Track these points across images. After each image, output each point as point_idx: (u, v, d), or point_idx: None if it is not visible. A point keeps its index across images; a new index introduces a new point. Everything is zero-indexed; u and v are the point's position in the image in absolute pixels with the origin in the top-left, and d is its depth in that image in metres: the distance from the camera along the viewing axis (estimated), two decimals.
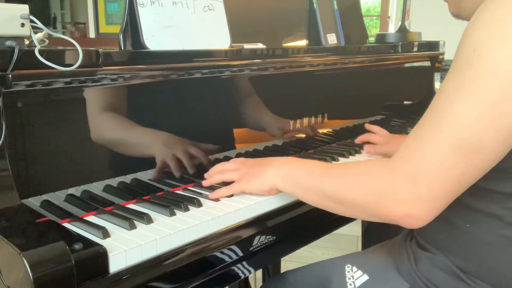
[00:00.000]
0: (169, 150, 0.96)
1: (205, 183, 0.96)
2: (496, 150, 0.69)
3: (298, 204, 0.96)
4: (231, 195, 0.93)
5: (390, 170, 0.72)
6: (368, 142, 1.28)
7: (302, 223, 0.99)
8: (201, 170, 1.01)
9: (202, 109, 1.04)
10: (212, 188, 0.95)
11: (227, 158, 1.08)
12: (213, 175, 0.96)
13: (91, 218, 0.82)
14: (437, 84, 1.75)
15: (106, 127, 0.89)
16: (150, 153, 0.95)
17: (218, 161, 1.06)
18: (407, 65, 1.68)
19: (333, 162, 1.18)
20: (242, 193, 0.93)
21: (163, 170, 0.96)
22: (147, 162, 0.95)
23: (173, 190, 0.97)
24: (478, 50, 0.67)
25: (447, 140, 0.68)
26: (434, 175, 0.69)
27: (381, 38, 1.70)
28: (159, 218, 0.82)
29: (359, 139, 1.30)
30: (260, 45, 1.18)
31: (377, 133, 1.30)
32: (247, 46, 1.11)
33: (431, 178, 0.69)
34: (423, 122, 0.73)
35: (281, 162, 0.92)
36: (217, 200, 0.91)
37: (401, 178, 0.71)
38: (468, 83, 0.68)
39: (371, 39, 1.72)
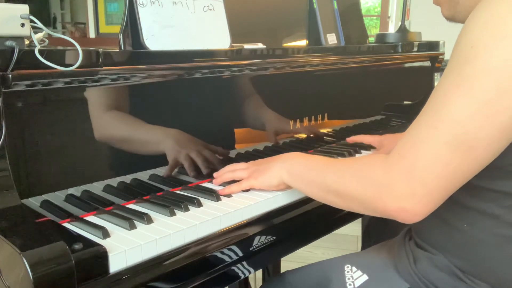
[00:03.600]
0: (177, 149, 0.99)
1: (215, 181, 1.00)
2: (491, 147, 0.69)
3: (298, 204, 0.96)
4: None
5: (387, 165, 0.74)
6: (361, 143, 1.30)
7: (302, 223, 0.99)
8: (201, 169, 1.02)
9: (202, 109, 1.04)
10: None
11: (227, 158, 1.09)
12: (223, 174, 1.00)
13: (91, 218, 0.82)
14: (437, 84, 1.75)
15: (107, 126, 0.88)
16: (153, 152, 0.95)
17: (219, 160, 1.06)
18: (407, 65, 1.68)
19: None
20: (251, 189, 0.96)
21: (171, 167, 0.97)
22: (148, 162, 0.95)
23: (173, 190, 0.97)
24: (475, 47, 0.68)
25: (442, 136, 0.69)
26: (429, 171, 0.70)
27: (381, 38, 1.70)
28: (159, 218, 0.82)
29: (351, 139, 1.31)
30: (260, 45, 1.18)
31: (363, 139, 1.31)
32: (247, 46, 1.11)
33: (425, 174, 0.70)
34: (420, 118, 0.73)
35: (286, 157, 0.95)
36: (229, 196, 0.93)
37: (397, 173, 0.72)
38: (464, 80, 0.68)
39: (371, 39, 1.72)
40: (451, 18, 0.87)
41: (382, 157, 0.76)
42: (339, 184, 0.81)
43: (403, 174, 0.71)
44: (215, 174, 1.01)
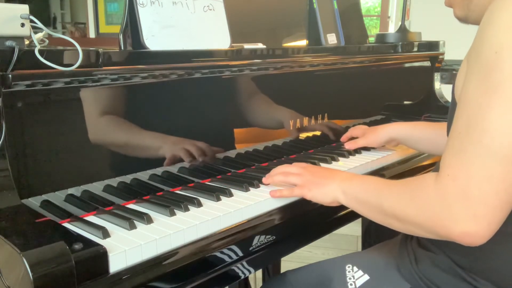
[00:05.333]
0: (171, 148, 0.98)
1: (265, 180, 0.99)
2: None
3: (298, 204, 0.96)
4: None
5: (441, 189, 0.70)
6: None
7: (302, 223, 0.99)
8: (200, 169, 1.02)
9: (202, 109, 1.04)
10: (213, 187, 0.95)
11: (227, 158, 1.09)
12: (275, 175, 0.98)
13: (91, 218, 0.82)
14: (437, 84, 1.75)
15: (107, 126, 0.89)
16: (153, 149, 0.95)
17: (219, 160, 1.06)
18: (407, 65, 1.68)
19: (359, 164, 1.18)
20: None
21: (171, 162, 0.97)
22: (148, 162, 0.95)
23: (173, 190, 0.97)
24: (500, 52, 0.65)
25: (490, 150, 0.65)
26: (486, 189, 0.66)
27: (381, 38, 1.70)
28: (159, 218, 0.82)
29: (344, 137, 1.31)
30: (260, 45, 1.18)
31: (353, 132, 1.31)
32: (247, 46, 1.11)
33: (483, 192, 0.66)
34: (459, 135, 0.69)
35: (343, 177, 0.92)
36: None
37: (453, 197, 0.68)
38: (496, 87, 0.65)
39: (371, 39, 1.72)
40: (463, 19, 0.85)
41: (433, 180, 0.72)
42: (396, 209, 0.78)
43: (459, 196, 0.67)
44: (267, 175, 0.99)
